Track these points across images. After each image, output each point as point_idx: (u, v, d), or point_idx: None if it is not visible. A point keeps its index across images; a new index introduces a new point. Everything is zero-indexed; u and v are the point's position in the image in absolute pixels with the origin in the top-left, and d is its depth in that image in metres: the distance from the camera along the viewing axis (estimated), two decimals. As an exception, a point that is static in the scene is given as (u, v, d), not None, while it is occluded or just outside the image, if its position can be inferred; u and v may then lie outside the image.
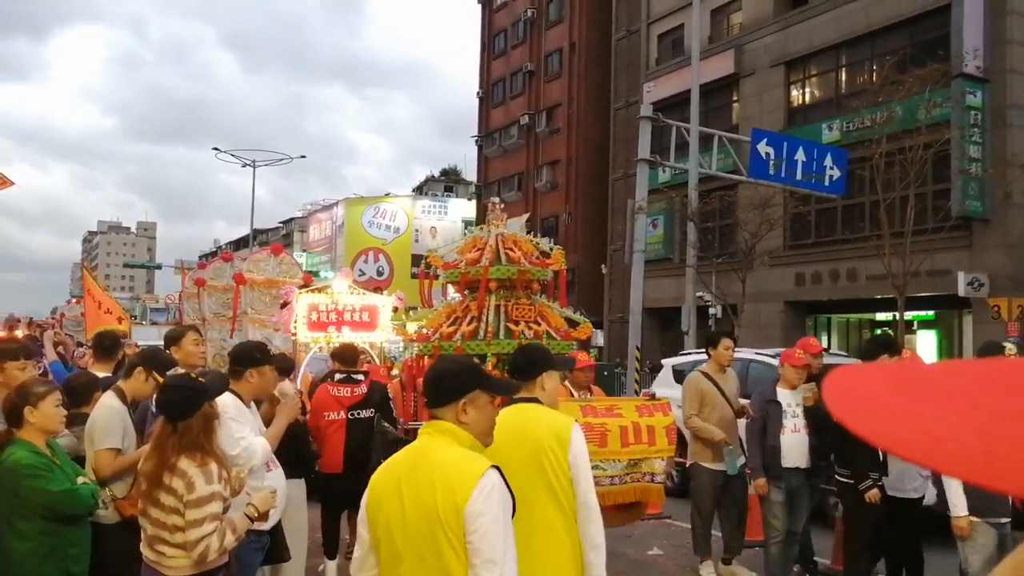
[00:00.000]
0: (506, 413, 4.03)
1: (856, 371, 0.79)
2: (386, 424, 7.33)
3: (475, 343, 6.98)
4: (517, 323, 7.04)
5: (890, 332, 22.91)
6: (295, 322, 10.82)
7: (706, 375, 7.76)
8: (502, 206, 7.89)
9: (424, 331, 7.46)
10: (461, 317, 7.26)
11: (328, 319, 11.01)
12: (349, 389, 7.63)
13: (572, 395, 7.32)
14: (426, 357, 7.22)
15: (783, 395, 6.94)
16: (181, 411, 3.87)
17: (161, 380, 5.23)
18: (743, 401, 7.80)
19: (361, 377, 7.85)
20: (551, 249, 7.68)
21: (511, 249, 7.37)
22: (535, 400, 3.99)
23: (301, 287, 11.82)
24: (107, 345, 6.82)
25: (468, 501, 2.79)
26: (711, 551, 7.67)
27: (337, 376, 7.73)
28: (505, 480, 2.85)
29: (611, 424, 6.35)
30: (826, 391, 0.77)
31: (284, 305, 11.38)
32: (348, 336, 11.30)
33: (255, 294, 12.61)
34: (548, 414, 3.93)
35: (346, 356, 8.01)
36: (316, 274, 36.20)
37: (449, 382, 3.03)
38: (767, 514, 6.94)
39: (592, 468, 5.90)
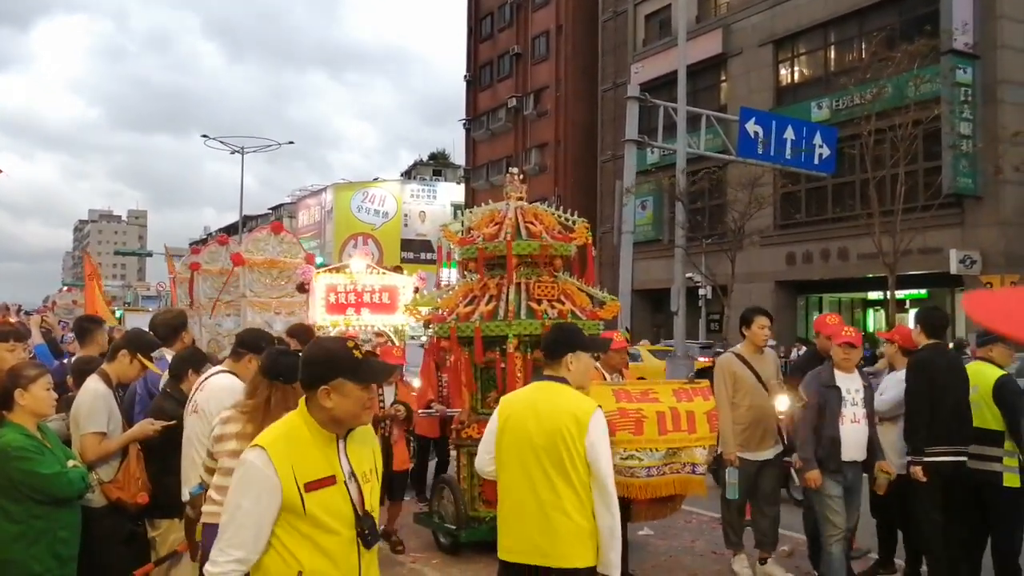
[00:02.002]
0: (527, 389, 4.06)
1: (991, 291, 0.94)
2: None
3: (495, 323, 6.58)
4: (539, 302, 6.62)
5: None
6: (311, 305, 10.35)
7: (739, 357, 6.92)
8: (521, 176, 7.39)
9: (440, 312, 7.11)
10: (479, 296, 6.86)
11: (347, 300, 10.58)
12: None
13: (604, 378, 6.70)
14: (443, 339, 6.86)
15: (842, 379, 6.15)
16: (296, 375, 4.01)
17: (146, 362, 5.18)
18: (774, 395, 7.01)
19: None
20: (574, 222, 7.17)
21: (532, 222, 6.92)
22: (562, 380, 3.90)
23: (319, 268, 11.37)
24: (86, 327, 6.75)
25: None
26: (743, 544, 7.04)
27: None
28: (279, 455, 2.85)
29: (647, 410, 5.84)
30: (968, 306, 0.97)
31: (301, 287, 10.91)
32: (368, 319, 10.92)
33: (254, 275, 11.81)
34: (570, 395, 3.84)
35: (302, 336, 7.89)
36: (305, 260, 36.00)
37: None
38: (824, 511, 6.16)
39: (628, 458, 5.61)
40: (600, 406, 3.89)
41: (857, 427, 6.14)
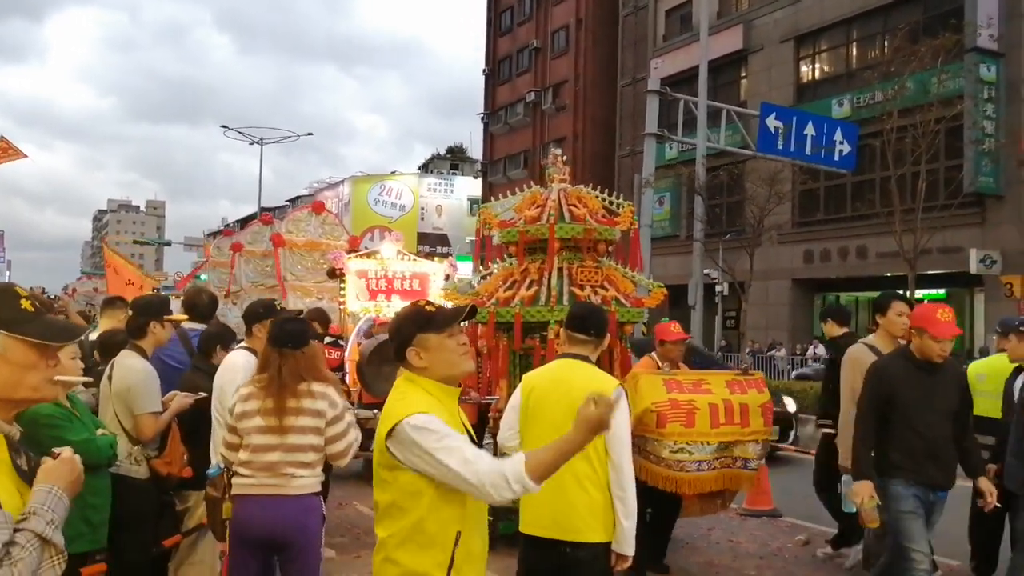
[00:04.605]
0: (550, 366, 4.13)
1: None
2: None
3: (536, 309, 6.41)
4: (582, 288, 6.43)
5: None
6: (342, 290, 10.19)
7: (874, 350, 5.69)
8: (564, 158, 7.22)
9: (479, 296, 6.94)
10: (519, 281, 6.71)
11: (378, 287, 10.46)
12: (338, 353, 7.62)
13: (658, 368, 6.40)
14: (481, 325, 6.68)
15: None
16: (304, 339, 4.18)
17: (177, 318, 5.30)
18: None
19: (342, 343, 8.04)
20: (619, 206, 6.98)
21: (575, 205, 6.74)
22: (586, 358, 3.92)
23: (348, 251, 11.02)
24: (108, 300, 6.92)
25: None
26: None
27: (326, 339, 7.73)
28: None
29: (699, 401, 5.60)
30: None
31: (333, 274, 10.62)
32: (399, 306, 10.79)
33: (295, 257, 11.56)
34: (592, 372, 3.89)
35: (316, 318, 7.92)
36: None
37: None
38: None
39: (678, 451, 5.53)
40: (621, 385, 3.91)
41: None
